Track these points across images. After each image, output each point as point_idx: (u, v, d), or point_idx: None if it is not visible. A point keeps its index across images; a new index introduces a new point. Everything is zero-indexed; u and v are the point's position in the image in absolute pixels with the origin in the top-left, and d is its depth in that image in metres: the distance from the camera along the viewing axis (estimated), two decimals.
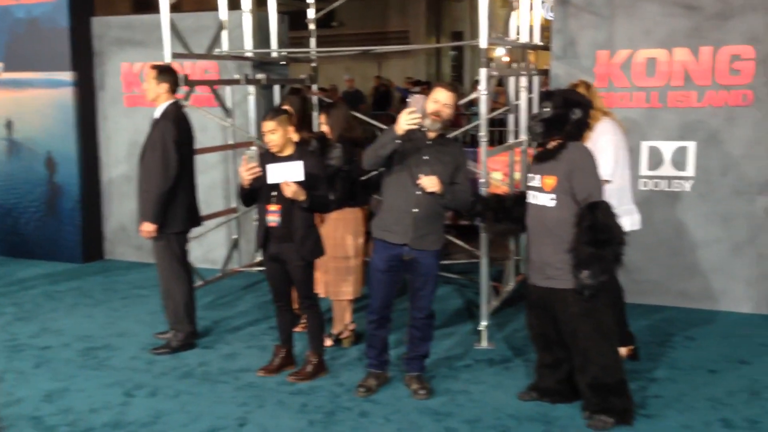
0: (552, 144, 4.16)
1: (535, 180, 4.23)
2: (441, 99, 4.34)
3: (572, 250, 4.03)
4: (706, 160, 5.97)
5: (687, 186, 6.05)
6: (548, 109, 4.15)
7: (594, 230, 3.96)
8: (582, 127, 4.20)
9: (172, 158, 5.15)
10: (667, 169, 6.09)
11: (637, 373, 4.79)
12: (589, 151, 4.19)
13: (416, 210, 4.36)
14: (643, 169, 6.13)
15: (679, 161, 6.04)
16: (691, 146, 6.00)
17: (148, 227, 5.18)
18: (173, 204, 5.23)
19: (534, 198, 4.24)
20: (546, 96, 4.27)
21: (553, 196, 4.12)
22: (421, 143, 4.38)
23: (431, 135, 4.39)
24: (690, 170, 6.03)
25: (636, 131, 6.07)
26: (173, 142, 5.15)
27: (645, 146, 6.11)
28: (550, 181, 4.12)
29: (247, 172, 4.56)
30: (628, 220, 4.74)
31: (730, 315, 5.98)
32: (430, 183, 4.29)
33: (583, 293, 4.00)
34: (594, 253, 3.95)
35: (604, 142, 4.74)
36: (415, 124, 4.17)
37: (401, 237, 4.39)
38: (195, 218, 5.51)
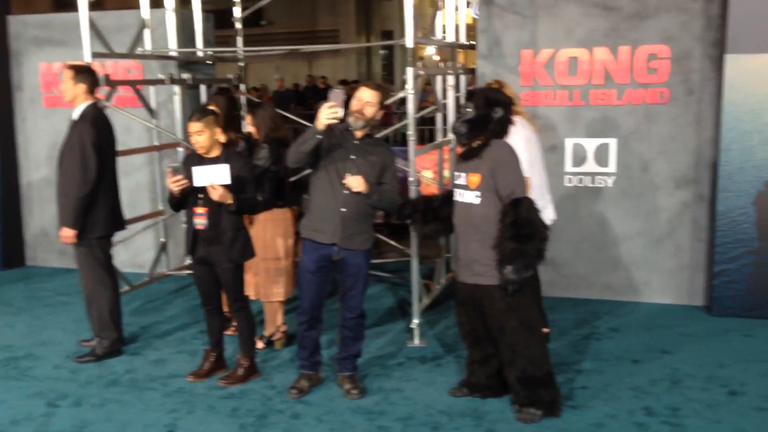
0: (476, 142, 4.22)
1: (461, 178, 4.28)
2: (364, 97, 4.34)
3: (496, 246, 4.10)
4: (626, 156, 6.15)
5: (609, 182, 6.22)
6: (470, 110, 4.21)
7: (517, 226, 4.03)
8: (505, 125, 4.26)
9: (91, 161, 5.01)
10: (590, 166, 6.25)
11: (564, 365, 4.90)
12: (511, 148, 4.25)
13: (344, 210, 4.35)
14: (568, 166, 6.28)
15: (601, 158, 6.20)
16: (612, 143, 6.16)
17: (68, 233, 5.04)
18: (94, 208, 5.10)
19: (460, 196, 4.28)
20: (468, 96, 4.33)
21: (478, 193, 4.17)
22: (348, 143, 4.37)
23: (358, 134, 4.39)
24: (612, 166, 6.20)
25: (560, 129, 6.22)
26: (92, 145, 5.01)
27: (569, 143, 6.25)
28: (475, 178, 4.18)
29: (174, 185, 4.50)
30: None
31: (652, 306, 6.18)
32: (355, 183, 4.28)
33: (507, 288, 4.08)
34: (517, 248, 4.02)
35: (516, 140, 4.79)
36: (334, 119, 4.14)
37: (329, 237, 4.38)
38: (118, 222, 5.38)
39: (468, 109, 4.22)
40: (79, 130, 5.04)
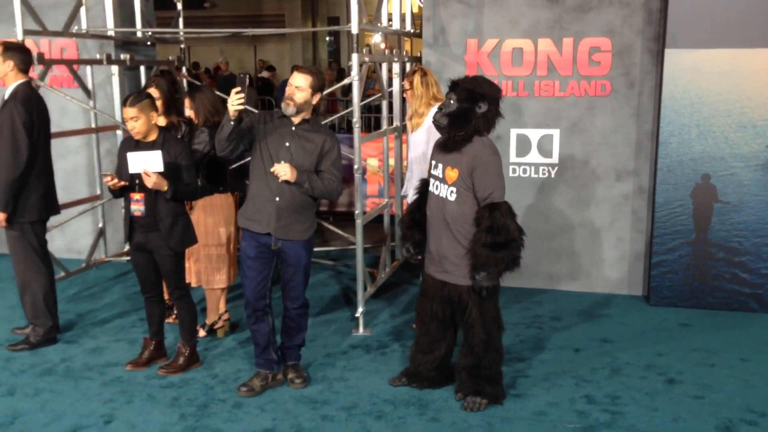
0: (458, 136, 4.07)
1: (438, 169, 4.15)
2: (294, 82, 4.19)
3: (470, 251, 4.01)
4: (569, 147, 6.23)
5: (552, 172, 6.29)
6: (452, 102, 4.04)
7: (492, 232, 3.91)
8: (491, 121, 4.07)
9: (22, 143, 4.81)
10: (534, 156, 6.30)
11: (507, 354, 4.91)
12: (494, 149, 4.09)
13: (278, 199, 4.21)
14: (512, 156, 6.32)
15: (544, 148, 6.26)
16: (555, 134, 6.23)
17: None
18: (26, 191, 4.91)
19: (435, 188, 4.16)
20: (452, 87, 4.11)
21: (454, 189, 4.05)
22: (286, 129, 4.24)
23: (296, 120, 4.24)
24: (555, 157, 6.26)
25: (505, 119, 6.22)
26: (23, 126, 4.81)
27: (514, 134, 6.30)
28: (453, 174, 4.05)
29: (112, 186, 4.44)
30: None
31: (593, 296, 6.28)
32: (282, 170, 4.12)
33: (480, 293, 4.04)
34: (491, 255, 3.92)
35: (429, 123, 4.75)
36: (241, 104, 4.04)
37: (264, 226, 4.25)
38: (52, 206, 5.19)
39: (451, 101, 4.05)
40: (10, 110, 4.83)
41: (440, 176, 4.13)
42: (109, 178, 4.41)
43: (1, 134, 4.82)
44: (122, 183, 4.43)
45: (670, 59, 5.77)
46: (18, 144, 4.81)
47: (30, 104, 4.91)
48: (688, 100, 5.80)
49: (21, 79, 4.96)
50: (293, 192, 4.21)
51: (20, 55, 4.98)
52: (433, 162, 4.23)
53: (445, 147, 4.14)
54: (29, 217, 4.98)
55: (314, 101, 4.27)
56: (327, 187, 4.26)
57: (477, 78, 4.17)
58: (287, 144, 4.22)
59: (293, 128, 4.25)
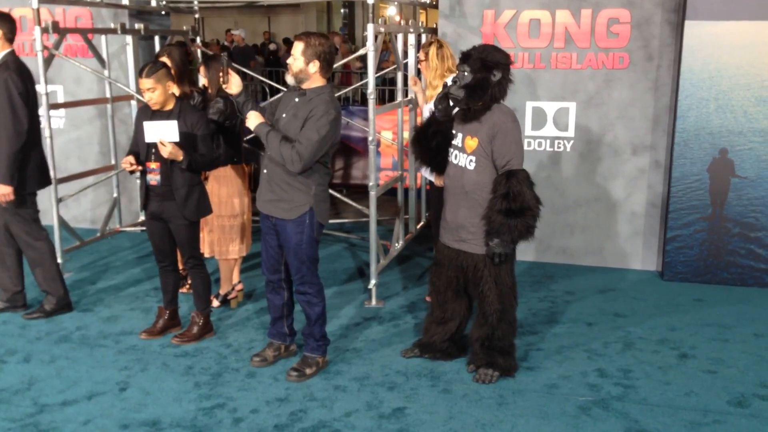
0: (476, 105, 4.05)
1: (458, 138, 4.13)
2: (292, 51, 4.10)
3: (485, 217, 4.01)
4: (585, 120, 6.17)
5: (568, 146, 6.24)
6: (467, 74, 4.01)
7: (508, 199, 3.92)
8: (505, 87, 4.05)
9: (21, 112, 4.76)
10: (549, 130, 6.25)
11: (519, 327, 4.91)
12: (513, 116, 4.07)
13: (265, 171, 4.14)
14: (527, 130, 6.27)
15: (560, 122, 6.21)
16: (572, 107, 6.17)
17: (5, 189, 4.79)
18: (26, 162, 4.87)
19: (455, 157, 4.15)
20: (463, 59, 4.06)
21: (473, 158, 4.04)
22: (290, 100, 4.14)
23: (300, 90, 4.12)
24: (571, 131, 6.21)
25: (521, 91, 6.18)
26: (19, 95, 4.75)
27: (529, 106, 6.24)
28: (473, 142, 4.04)
29: (128, 168, 4.50)
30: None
31: (606, 270, 6.26)
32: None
33: (493, 260, 4.04)
34: (504, 222, 3.92)
35: None
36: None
37: (257, 200, 4.22)
38: (46, 177, 5.18)
39: (465, 73, 4.01)
40: (5, 80, 4.76)
41: (459, 145, 4.11)
42: (128, 165, 4.44)
43: None
44: (139, 168, 4.47)
45: (690, 31, 5.68)
46: (18, 114, 4.76)
47: (23, 73, 4.85)
48: (707, 74, 5.72)
49: (7, 49, 4.89)
50: (278, 165, 4.06)
51: (8, 24, 4.89)
52: (453, 132, 4.19)
53: (464, 117, 4.12)
54: (29, 188, 4.96)
55: (312, 69, 4.03)
56: (287, 154, 3.92)
57: (487, 47, 4.11)
58: (283, 115, 4.12)
59: (296, 99, 4.12)
